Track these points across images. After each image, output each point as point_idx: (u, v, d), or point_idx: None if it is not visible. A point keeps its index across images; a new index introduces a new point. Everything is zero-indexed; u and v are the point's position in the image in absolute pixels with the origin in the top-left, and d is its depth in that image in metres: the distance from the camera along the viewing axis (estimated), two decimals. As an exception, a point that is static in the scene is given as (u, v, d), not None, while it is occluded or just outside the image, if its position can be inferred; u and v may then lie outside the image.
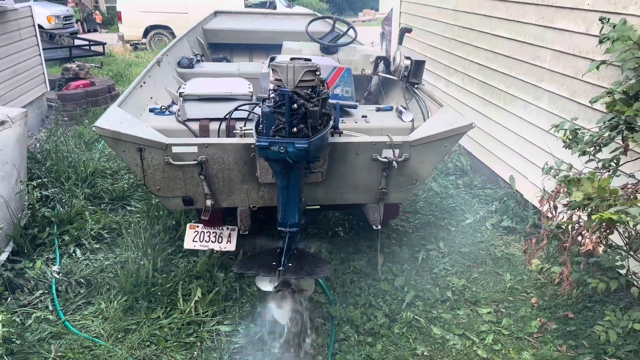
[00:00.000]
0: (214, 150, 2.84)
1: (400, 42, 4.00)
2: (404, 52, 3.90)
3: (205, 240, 3.47)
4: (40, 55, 6.78)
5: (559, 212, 2.79)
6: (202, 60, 5.33)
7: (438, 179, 5.12)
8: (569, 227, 2.69)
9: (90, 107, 6.84)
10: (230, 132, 3.28)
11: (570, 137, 2.95)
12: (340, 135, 3.02)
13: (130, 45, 14.38)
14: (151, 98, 3.84)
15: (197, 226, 3.47)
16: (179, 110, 3.40)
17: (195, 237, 3.47)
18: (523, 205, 4.36)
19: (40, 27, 13.27)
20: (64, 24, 15.02)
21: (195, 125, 3.30)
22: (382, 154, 2.95)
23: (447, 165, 5.42)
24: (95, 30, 21.17)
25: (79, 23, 17.85)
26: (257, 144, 2.46)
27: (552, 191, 2.78)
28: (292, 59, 2.72)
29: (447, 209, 4.53)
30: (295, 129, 2.48)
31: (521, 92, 4.42)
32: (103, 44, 12.02)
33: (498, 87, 4.80)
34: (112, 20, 26.64)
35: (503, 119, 4.71)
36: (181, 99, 3.34)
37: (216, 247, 3.48)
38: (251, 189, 3.07)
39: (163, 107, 3.50)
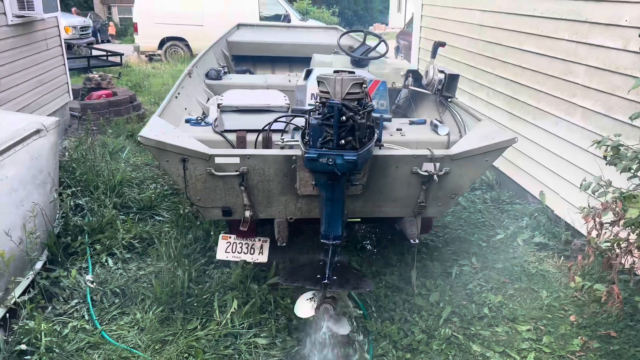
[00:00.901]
0: (255, 161, 2.83)
1: (433, 56, 4.00)
2: (437, 66, 3.90)
3: (238, 252, 3.45)
4: (64, 64, 6.84)
5: (605, 229, 2.76)
6: (228, 72, 5.37)
7: (465, 193, 5.08)
8: (616, 244, 2.65)
9: (112, 117, 6.88)
10: (267, 143, 3.28)
11: (613, 154, 2.92)
12: (380, 148, 3.01)
13: (146, 56, 14.53)
14: (185, 109, 3.86)
15: (230, 237, 3.45)
16: (215, 120, 3.41)
17: (227, 248, 3.45)
18: (554, 222, 4.32)
19: (58, 37, 13.47)
20: (81, 35, 15.23)
21: (232, 136, 3.30)
22: (423, 168, 2.94)
23: (472, 180, 5.39)
24: (107, 42, 21.40)
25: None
26: (305, 155, 2.46)
27: (597, 208, 2.75)
28: (335, 71, 2.72)
29: (476, 224, 4.49)
30: (343, 141, 2.48)
31: (552, 108, 4.40)
32: (120, 55, 12.13)
33: (527, 102, 4.79)
34: (125, 31, 26.95)
35: (532, 134, 4.69)
36: (219, 110, 3.35)
37: (248, 258, 3.45)
38: (289, 201, 3.06)
39: (199, 118, 3.51)
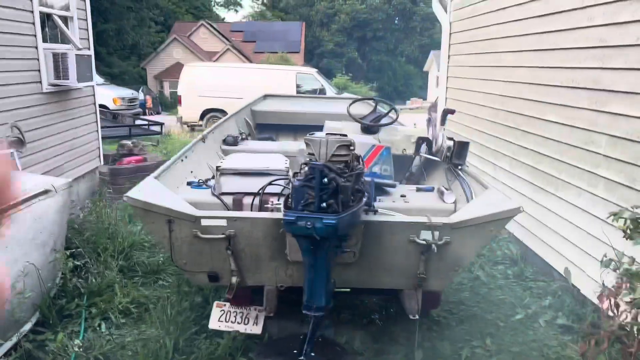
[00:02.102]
0: (243, 224, 2.74)
1: (443, 123, 3.92)
2: (446, 133, 3.80)
3: (231, 321, 3.28)
4: (97, 131, 7.16)
5: (622, 311, 2.45)
6: (248, 139, 5.43)
7: (485, 267, 4.77)
8: (634, 328, 2.34)
9: (139, 181, 7.02)
10: (263, 207, 3.20)
11: (632, 227, 2.66)
12: (374, 214, 2.87)
13: (188, 126, 15.16)
14: (191, 172, 3.87)
15: (224, 305, 3.30)
16: (215, 183, 3.39)
17: (221, 317, 3.29)
18: (580, 302, 3.94)
19: (105, 107, 14.32)
20: (128, 106, 16.15)
21: (229, 199, 3.25)
22: (420, 236, 2.75)
23: (496, 253, 5.09)
24: (158, 113, 22.63)
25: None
26: (283, 218, 2.35)
27: (613, 286, 2.47)
28: (327, 134, 2.66)
29: (495, 302, 4.16)
30: (325, 204, 2.36)
31: (574, 179, 4.16)
32: (161, 124, 12.69)
33: (549, 172, 4.56)
34: (174, 104, 28.52)
35: (555, 206, 4.42)
36: (218, 172, 3.33)
37: (242, 328, 3.26)
38: (279, 267, 2.91)
39: (201, 181, 3.50)
